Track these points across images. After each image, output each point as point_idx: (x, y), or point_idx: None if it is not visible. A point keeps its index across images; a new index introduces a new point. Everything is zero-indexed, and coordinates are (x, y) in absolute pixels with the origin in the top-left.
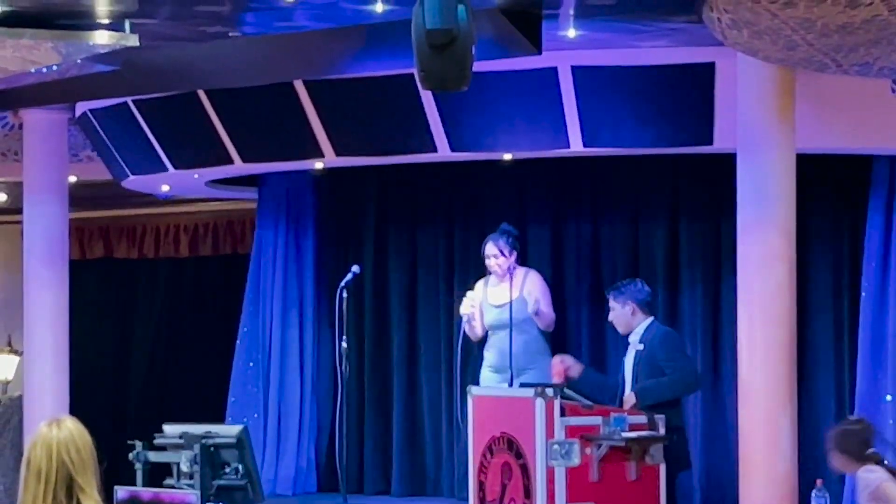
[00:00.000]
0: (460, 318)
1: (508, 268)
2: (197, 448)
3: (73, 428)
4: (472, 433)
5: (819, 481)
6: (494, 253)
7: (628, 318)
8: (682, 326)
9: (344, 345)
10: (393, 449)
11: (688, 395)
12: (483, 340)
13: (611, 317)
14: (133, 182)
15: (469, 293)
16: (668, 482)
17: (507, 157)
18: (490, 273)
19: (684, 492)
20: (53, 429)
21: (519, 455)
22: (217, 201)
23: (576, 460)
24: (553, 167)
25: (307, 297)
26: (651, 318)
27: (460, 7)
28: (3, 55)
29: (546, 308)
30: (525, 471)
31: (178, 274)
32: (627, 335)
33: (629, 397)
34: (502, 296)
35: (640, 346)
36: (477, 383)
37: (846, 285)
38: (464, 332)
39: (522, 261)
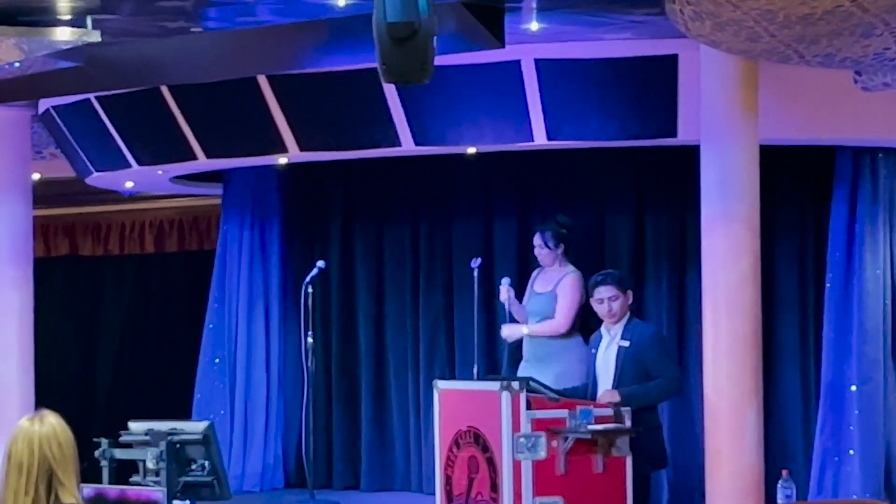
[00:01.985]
0: (426, 312)
1: (551, 261)
2: (163, 445)
3: (55, 423)
4: (438, 427)
5: (785, 472)
6: (539, 244)
7: (627, 308)
8: (648, 319)
9: (310, 340)
10: (361, 443)
11: (669, 399)
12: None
13: (612, 307)
14: (97, 179)
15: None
16: (643, 480)
17: (472, 150)
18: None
19: (653, 487)
20: (35, 423)
21: (485, 449)
22: (182, 197)
23: (542, 453)
24: (518, 160)
25: (273, 292)
26: (629, 313)
27: (421, 0)
28: None
29: (560, 314)
30: (492, 464)
31: (144, 270)
32: (594, 329)
33: (610, 395)
34: (543, 285)
35: (625, 343)
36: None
37: (811, 277)
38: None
39: (488, 253)
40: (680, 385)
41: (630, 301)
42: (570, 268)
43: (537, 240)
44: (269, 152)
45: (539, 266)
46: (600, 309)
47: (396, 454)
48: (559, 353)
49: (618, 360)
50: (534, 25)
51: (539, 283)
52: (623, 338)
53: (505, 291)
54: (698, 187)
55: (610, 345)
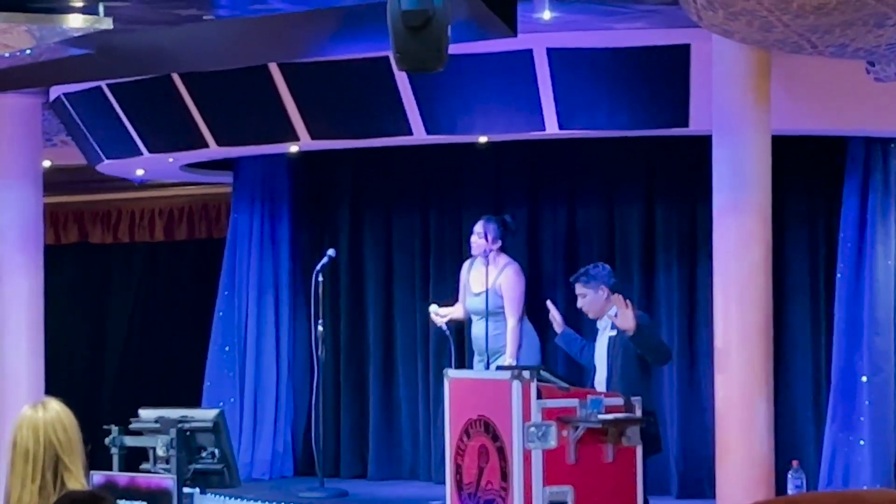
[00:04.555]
0: (438, 301)
1: (485, 251)
2: (173, 432)
3: (58, 409)
4: (448, 416)
5: (795, 463)
6: (479, 231)
7: (602, 303)
8: (659, 309)
9: (320, 328)
10: (369, 432)
11: (663, 364)
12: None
13: (582, 304)
14: (108, 166)
15: (432, 308)
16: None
17: (483, 139)
18: (474, 255)
19: (657, 475)
20: (39, 410)
21: (496, 438)
22: (192, 185)
23: (552, 443)
24: (529, 150)
25: (283, 280)
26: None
27: None
28: None
29: (510, 316)
30: (502, 453)
31: (154, 258)
32: (595, 320)
33: (632, 320)
34: (479, 283)
35: (614, 332)
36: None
37: (822, 267)
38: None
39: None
40: (670, 355)
41: (605, 296)
42: (506, 260)
43: (478, 227)
44: (279, 140)
45: (470, 257)
46: (578, 303)
47: (405, 443)
48: (499, 348)
49: (609, 349)
50: (546, 14)
51: (475, 282)
52: (612, 328)
53: (440, 320)
54: (710, 177)
55: (602, 335)
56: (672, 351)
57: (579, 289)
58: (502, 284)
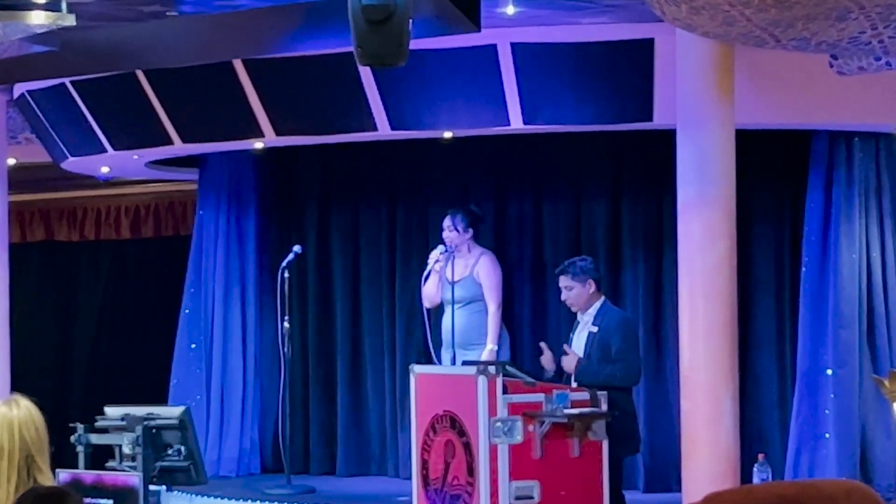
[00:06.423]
0: (403, 297)
1: (458, 244)
2: (139, 430)
3: (30, 407)
4: (415, 412)
5: (761, 456)
6: (448, 226)
7: (588, 296)
8: (624, 303)
9: (286, 325)
10: (337, 429)
11: (631, 385)
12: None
13: (567, 297)
14: (72, 164)
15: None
16: (616, 464)
17: (448, 135)
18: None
19: (624, 468)
20: (13, 408)
21: (462, 433)
22: (158, 183)
23: (518, 438)
24: (494, 145)
25: (249, 277)
26: (603, 298)
27: None
28: None
29: (491, 302)
30: (468, 449)
31: (120, 256)
32: (575, 313)
33: (573, 361)
34: (457, 273)
35: (594, 329)
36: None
37: (787, 261)
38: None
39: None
40: (637, 376)
41: (592, 290)
42: (481, 249)
43: (447, 222)
44: (245, 137)
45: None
46: (563, 296)
47: (373, 439)
48: (474, 340)
49: (587, 344)
50: (510, 9)
51: (452, 272)
52: (594, 323)
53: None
54: (674, 171)
55: (582, 330)
56: (634, 377)
57: (566, 281)
58: (479, 272)
